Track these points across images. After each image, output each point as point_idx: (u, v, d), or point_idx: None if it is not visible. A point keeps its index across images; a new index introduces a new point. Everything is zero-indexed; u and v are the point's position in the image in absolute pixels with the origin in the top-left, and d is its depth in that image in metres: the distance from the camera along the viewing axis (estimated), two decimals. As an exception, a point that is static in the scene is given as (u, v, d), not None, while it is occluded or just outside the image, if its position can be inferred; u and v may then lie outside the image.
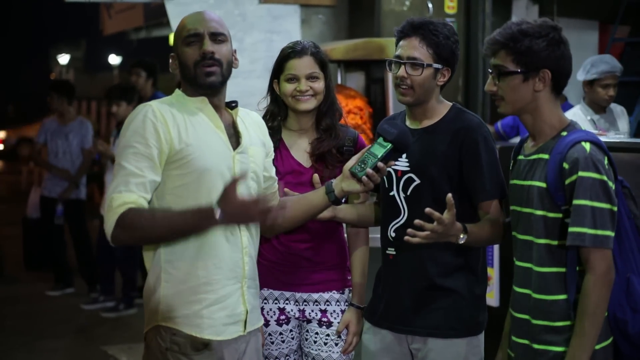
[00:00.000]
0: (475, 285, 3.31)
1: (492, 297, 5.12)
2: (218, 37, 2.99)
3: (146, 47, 19.84)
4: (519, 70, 2.91)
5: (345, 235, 3.67)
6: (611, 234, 2.80)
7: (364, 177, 3.06)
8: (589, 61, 5.99)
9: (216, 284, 2.93)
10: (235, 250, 2.97)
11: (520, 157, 3.04)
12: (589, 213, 2.77)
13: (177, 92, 3.05)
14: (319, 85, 3.50)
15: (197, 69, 2.96)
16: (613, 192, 2.81)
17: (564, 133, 2.90)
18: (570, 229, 2.80)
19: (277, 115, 3.57)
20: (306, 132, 3.57)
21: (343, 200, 3.18)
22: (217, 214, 2.64)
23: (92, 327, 7.69)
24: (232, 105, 3.10)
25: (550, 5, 7.54)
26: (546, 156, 2.89)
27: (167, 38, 15.59)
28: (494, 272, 5.16)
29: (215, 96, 3.01)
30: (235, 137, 3.03)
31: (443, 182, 3.21)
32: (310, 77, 3.48)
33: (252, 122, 3.15)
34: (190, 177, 2.87)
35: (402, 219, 3.31)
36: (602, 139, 3.23)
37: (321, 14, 7.56)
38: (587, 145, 2.81)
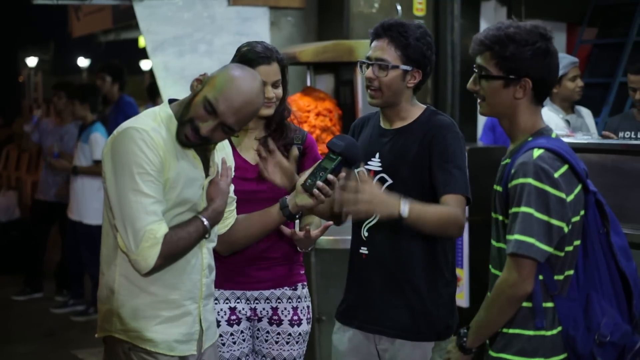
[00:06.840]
0: (445, 288, 3.32)
1: (462, 298, 5.15)
2: (224, 128, 2.90)
3: (115, 50, 19.70)
4: (501, 76, 2.80)
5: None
6: (537, 243, 2.65)
7: (315, 191, 3.08)
8: None
9: (173, 303, 2.93)
10: (195, 271, 2.99)
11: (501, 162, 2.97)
12: (520, 219, 2.67)
13: (165, 109, 2.96)
14: (280, 92, 3.49)
15: (190, 130, 2.86)
16: (556, 204, 2.67)
17: (530, 138, 2.82)
18: (507, 237, 2.72)
19: None
20: (254, 130, 3.55)
21: (297, 216, 3.19)
22: (203, 218, 2.92)
23: (62, 330, 7.64)
24: None
25: (518, 7, 7.55)
26: (509, 160, 2.82)
27: (136, 40, 15.48)
28: (463, 273, 5.19)
29: None
30: (206, 162, 3.03)
31: (415, 182, 3.22)
32: (275, 85, 3.46)
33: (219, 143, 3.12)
34: (166, 204, 2.87)
35: (375, 218, 3.31)
36: (570, 140, 3.22)
37: (290, 16, 7.54)
38: (536, 152, 2.70)
